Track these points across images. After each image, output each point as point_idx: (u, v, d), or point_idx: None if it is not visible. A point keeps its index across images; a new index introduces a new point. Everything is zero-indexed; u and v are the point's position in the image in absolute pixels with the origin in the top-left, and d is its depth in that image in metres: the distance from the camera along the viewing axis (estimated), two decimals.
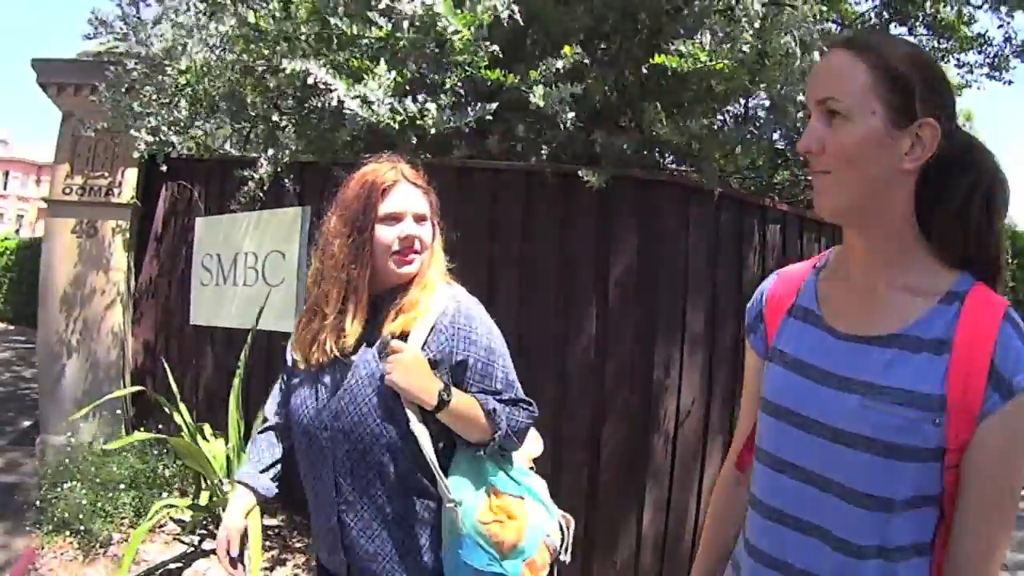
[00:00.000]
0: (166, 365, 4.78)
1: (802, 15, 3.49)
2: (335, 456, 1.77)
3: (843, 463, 1.19)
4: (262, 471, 1.96)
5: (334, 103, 3.22)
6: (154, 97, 4.67)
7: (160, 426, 4.89)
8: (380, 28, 3.26)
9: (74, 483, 4.64)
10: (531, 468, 1.98)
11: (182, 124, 4.46)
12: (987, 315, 1.14)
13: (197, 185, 5.34)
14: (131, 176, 5.56)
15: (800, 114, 3.59)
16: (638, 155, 3.82)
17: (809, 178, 1.63)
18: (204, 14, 4.50)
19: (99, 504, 4.47)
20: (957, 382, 1.12)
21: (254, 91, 4.52)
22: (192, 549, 4.37)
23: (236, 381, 4.30)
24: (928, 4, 10.38)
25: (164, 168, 4.93)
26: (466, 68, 3.32)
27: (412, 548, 1.78)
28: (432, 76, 3.40)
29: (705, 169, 3.73)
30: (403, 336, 1.76)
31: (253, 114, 4.53)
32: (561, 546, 1.86)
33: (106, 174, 5.58)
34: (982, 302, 1.16)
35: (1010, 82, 10.84)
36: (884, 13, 11.03)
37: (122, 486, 4.63)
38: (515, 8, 3.17)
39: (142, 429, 5.19)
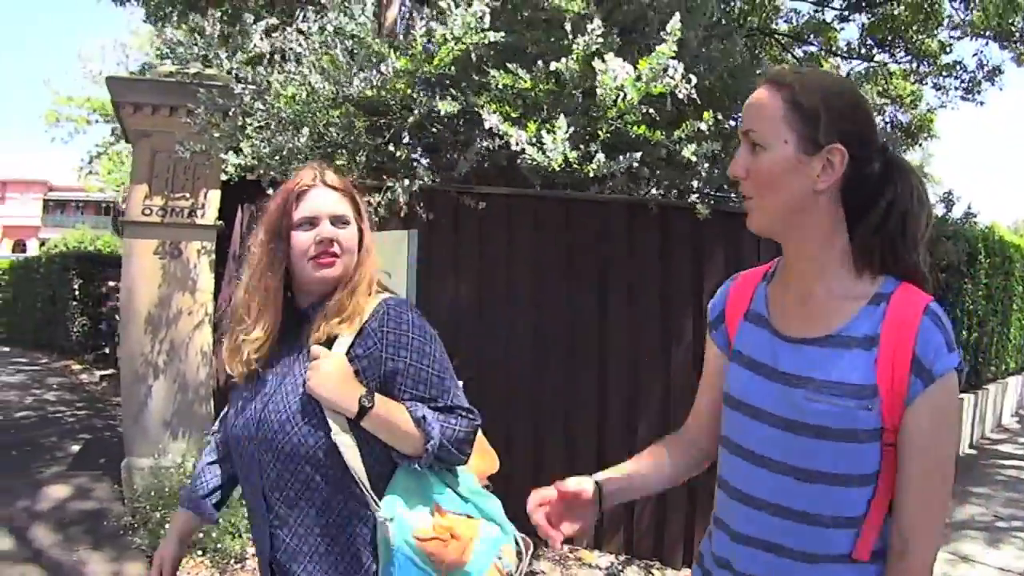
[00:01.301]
0: None
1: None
2: (261, 468, 1.72)
3: (794, 447, 1.36)
4: (204, 495, 1.95)
5: (502, 143, 3.55)
6: (265, 123, 4.77)
7: None
8: (548, 83, 3.82)
9: None
10: (486, 486, 1.93)
11: (300, 151, 4.56)
12: (910, 311, 1.30)
13: None
14: (214, 197, 5.62)
15: None
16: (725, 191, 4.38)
17: None
18: (320, 49, 4.63)
19: (226, 520, 4.55)
20: (886, 372, 1.29)
21: (367, 121, 4.66)
22: None
23: None
24: (910, 33, 10.82)
25: (268, 189, 4.99)
26: (615, 122, 3.82)
27: (352, 568, 1.71)
28: (587, 128, 3.88)
29: None
30: (330, 343, 1.72)
31: (371, 143, 4.67)
32: (516, 570, 1.80)
33: (187, 195, 5.61)
34: (906, 300, 1.32)
35: (982, 103, 11.34)
36: (868, 40, 11.42)
37: (243, 501, 4.69)
38: (692, 90, 3.67)
39: None
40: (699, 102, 3.83)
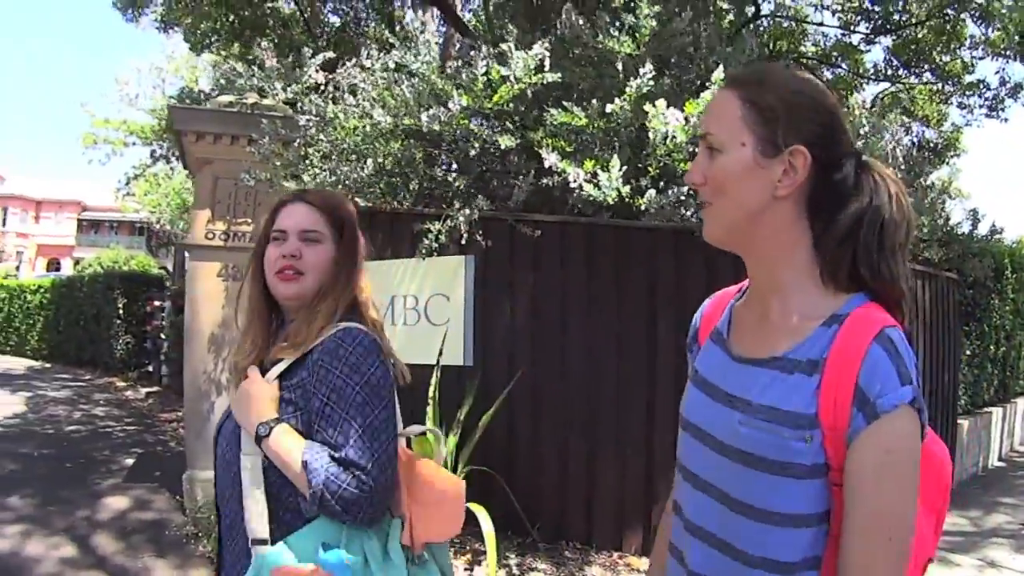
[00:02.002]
0: None
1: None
2: (218, 479, 1.72)
3: (728, 474, 1.24)
4: None
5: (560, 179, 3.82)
6: (327, 153, 5.04)
7: None
8: (601, 121, 4.11)
9: None
10: (422, 556, 1.72)
11: (363, 180, 4.82)
12: (859, 335, 1.15)
13: None
14: None
15: None
16: None
17: None
18: (381, 84, 4.90)
19: None
20: (827, 402, 1.15)
21: (425, 152, 4.93)
22: None
23: (431, 409, 4.70)
24: (935, 54, 11.03)
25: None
26: (664, 159, 4.08)
27: None
28: (637, 164, 4.18)
29: None
30: (272, 363, 1.69)
31: (429, 173, 4.94)
32: None
33: (249, 220, 5.88)
34: (859, 323, 1.18)
35: (1006, 120, 11.53)
36: (894, 61, 11.64)
37: None
38: None
39: None
40: None
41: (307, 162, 5.21)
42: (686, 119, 3.93)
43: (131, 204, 22.80)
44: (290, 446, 1.57)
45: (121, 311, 14.77)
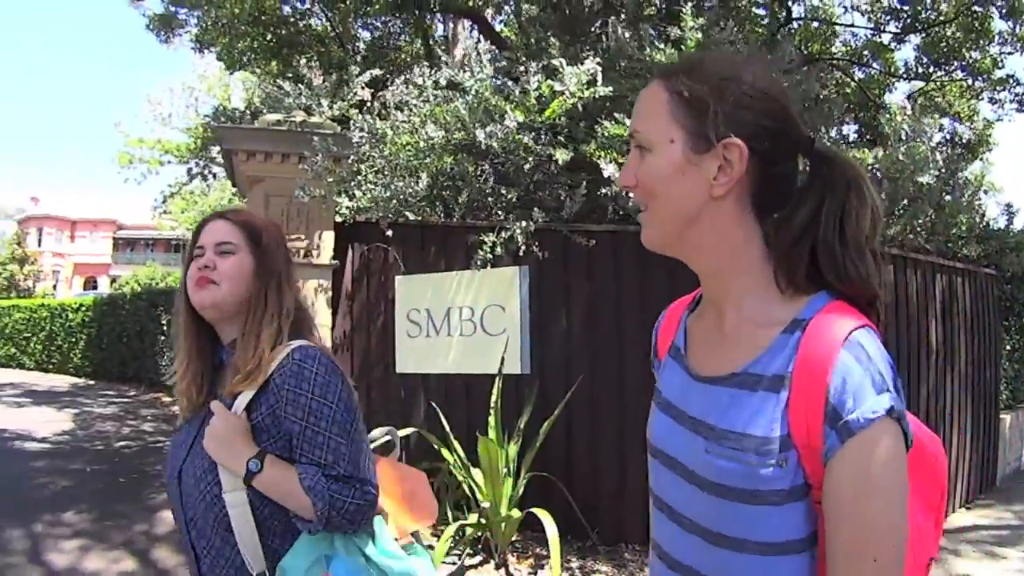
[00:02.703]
0: (437, 408, 5.24)
1: None
2: (185, 518, 1.68)
3: (704, 506, 1.13)
4: None
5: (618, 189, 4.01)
6: (380, 168, 5.16)
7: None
8: None
9: None
10: (411, 543, 1.82)
11: (417, 194, 4.93)
12: (825, 342, 1.03)
13: (392, 247, 5.81)
14: (328, 238, 5.99)
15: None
16: None
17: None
18: (432, 101, 5.01)
19: None
20: (798, 421, 1.04)
21: (476, 167, 5.04)
22: (456, 567, 4.75)
23: (492, 419, 4.80)
24: (964, 51, 11.04)
25: (389, 233, 5.37)
26: None
27: None
28: None
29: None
30: (234, 396, 1.65)
31: (480, 188, 5.05)
32: None
33: (303, 236, 5.99)
34: (824, 327, 1.05)
35: None
36: (924, 59, 11.63)
37: None
38: None
39: None
40: None
41: (360, 178, 5.33)
42: None
43: (167, 222, 23.13)
44: (284, 476, 1.59)
45: (165, 327, 14.88)
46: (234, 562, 1.62)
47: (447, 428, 5.02)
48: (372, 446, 1.85)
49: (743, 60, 1.22)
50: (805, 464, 1.04)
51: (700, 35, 4.66)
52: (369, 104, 5.93)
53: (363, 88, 6.42)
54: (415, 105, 5.17)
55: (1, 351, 21.79)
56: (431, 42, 11.35)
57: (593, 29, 7.46)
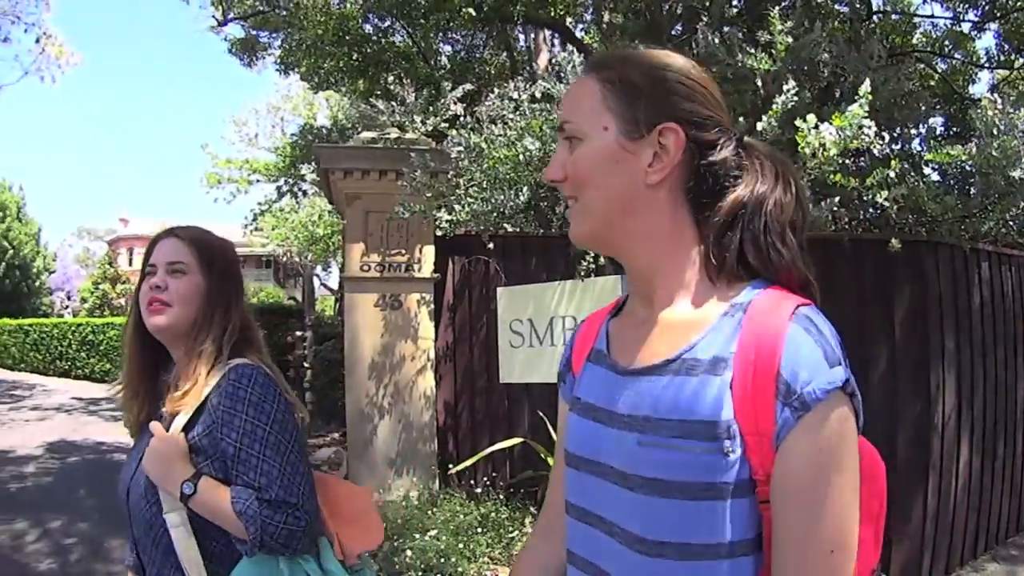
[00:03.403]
0: (543, 417, 5.31)
1: None
2: (133, 534, 1.69)
3: (637, 510, 1.04)
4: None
5: None
6: (479, 182, 5.23)
7: (472, 480, 5.52)
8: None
9: (429, 532, 5.11)
10: (358, 565, 1.82)
11: (518, 207, 4.99)
12: (772, 319, 1.00)
13: (493, 259, 5.89)
14: (429, 252, 6.12)
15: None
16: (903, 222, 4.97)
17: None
18: (529, 114, 5.06)
19: (459, 547, 4.91)
20: (744, 402, 0.97)
21: None
22: None
23: None
24: None
25: (490, 245, 5.44)
26: (814, 172, 4.14)
27: None
28: None
29: (954, 231, 4.85)
30: (172, 416, 1.66)
31: None
32: None
33: (403, 251, 6.15)
34: (767, 305, 1.02)
35: None
36: (1005, 46, 11.27)
37: (479, 529, 5.13)
38: (887, 146, 4.15)
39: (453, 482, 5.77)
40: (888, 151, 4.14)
41: (459, 192, 5.41)
42: (838, 130, 3.99)
43: (257, 239, 23.71)
44: (218, 499, 1.58)
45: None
46: (161, 573, 1.64)
47: (553, 436, 5.04)
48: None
49: (669, 52, 1.17)
50: (751, 456, 0.97)
51: (790, 39, 4.61)
52: (463, 118, 6.01)
53: (455, 103, 6.52)
54: (511, 119, 5.22)
55: (96, 367, 22.42)
56: (515, 54, 11.43)
57: (675, 34, 7.43)
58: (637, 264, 1.15)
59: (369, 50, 11.03)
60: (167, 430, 1.65)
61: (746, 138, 1.16)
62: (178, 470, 1.59)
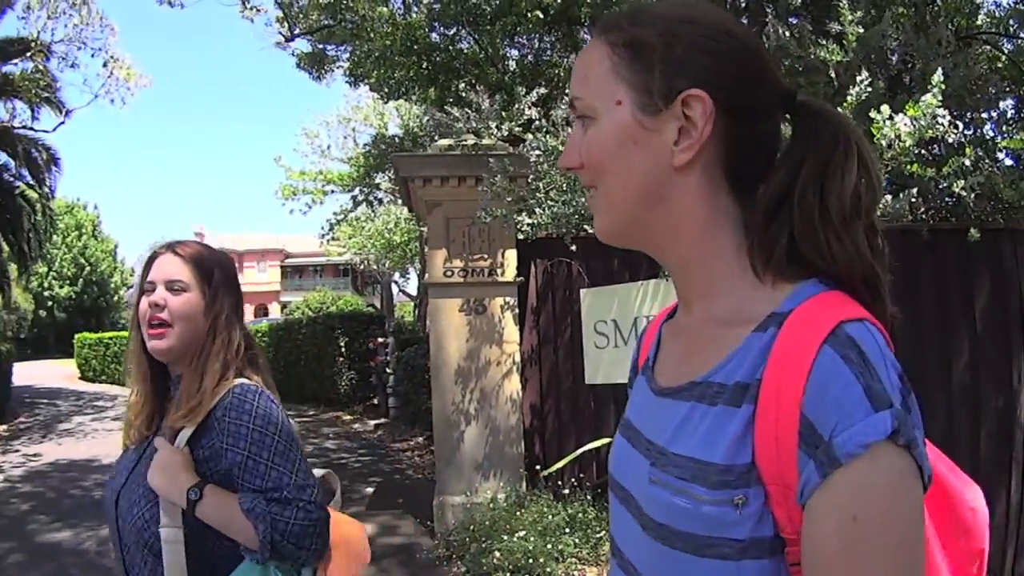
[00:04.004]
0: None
1: None
2: (122, 544, 1.70)
3: (648, 554, 0.88)
4: None
5: None
6: (559, 185, 5.26)
7: (559, 481, 5.58)
8: None
9: (517, 533, 5.15)
10: None
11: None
12: (804, 338, 0.77)
13: (575, 260, 5.92)
14: (511, 256, 6.16)
15: None
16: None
17: None
18: None
19: (547, 548, 4.94)
20: (766, 444, 0.78)
21: None
22: None
23: None
24: None
25: (573, 247, 5.46)
26: (890, 163, 4.14)
27: None
28: None
29: None
30: (176, 430, 1.68)
31: None
32: None
33: (486, 256, 6.19)
34: (805, 319, 0.80)
35: None
36: None
37: (567, 530, 5.15)
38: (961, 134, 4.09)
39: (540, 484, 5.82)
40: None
41: (539, 195, 5.44)
42: (913, 120, 3.93)
43: (334, 248, 24.12)
44: (225, 502, 1.61)
45: (343, 349, 15.58)
46: None
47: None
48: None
49: (695, 2, 0.96)
50: (776, 510, 0.78)
51: (861, 29, 4.55)
52: (538, 122, 6.04)
53: (530, 107, 6.55)
54: None
55: None
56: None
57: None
58: (670, 262, 0.97)
59: (438, 58, 11.14)
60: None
61: (801, 98, 0.93)
62: (183, 480, 1.61)
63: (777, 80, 0.92)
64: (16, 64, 15.51)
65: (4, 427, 15.43)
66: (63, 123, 15.49)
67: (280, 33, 13.14)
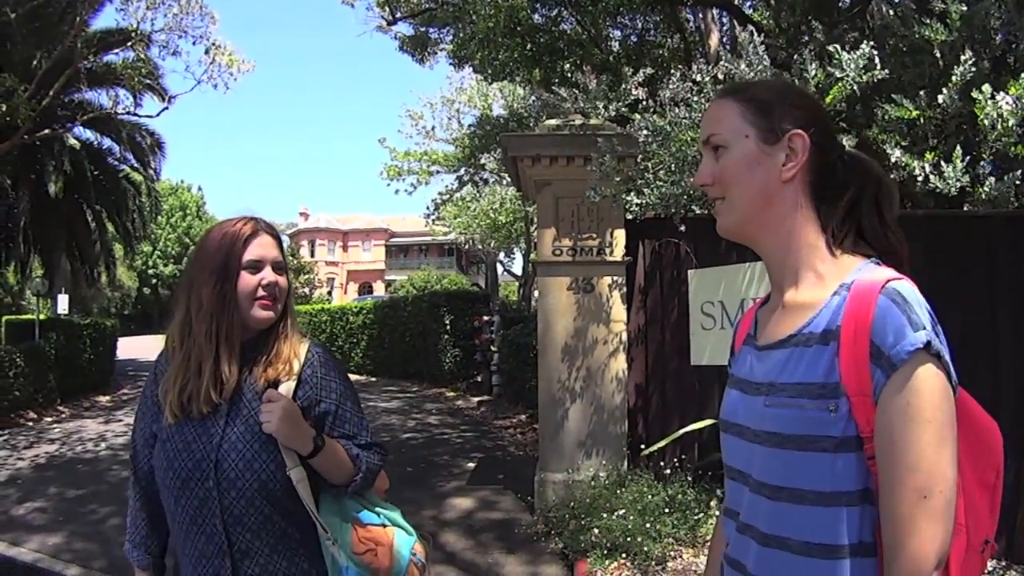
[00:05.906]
0: None
1: None
2: (222, 506, 1.78)
3: (761, 460, 1.28)
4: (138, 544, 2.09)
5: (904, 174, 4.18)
6: (667, 165, 5.27)
7: (661, 461, 5.64)
8: (931, 112, 4.26)
9: (616, 511, 5.21)
10: (384, 500, 2.09)
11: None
12: (866, 293, 1.18)
13: (683, 241, 5.93)
14: (620, 236, 6.20)
15: None
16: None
17: None
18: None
19: (645, 527, 4.99)
20: (849, 366, 1.17)
21: None
22: None
23: None
24: None
25: (682, 228, 5.46)
26: (995, 144, 4.01)
27: None
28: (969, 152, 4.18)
29: None
30: (274, 386, 1.85)
31: None
32: (426, 561, 2.03)
33: (594, 235, 6.24)
34: (865, 283, 1.21)
35: None
36: None
37: (666, 510, 5.19)
38: None
39: (641, 463, 5.88)
40: None
41: (648, 175, 5.46)
42: (1018, 98, 3.80)
43: (439, 228, 24.49)
44: (335, 449, 1.87)
45: (448, 327, 15.84)
46: (269, 542, 1.82)
47: None
48: None
49: (785, 79, 1.53)
50: (857, 415, 1.17)
51: (964, 7, 4.41)
52: (645, 102, 6.03)
53: (637, 87, 6.54)
54: (695, 101, 5.20)
55: None
56: (686, 35, 11.29)
57: (842, 7, 7.17)
58: (773, 252, 1.38)
59: (541, 39, 11.17)
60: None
61: (847, 147, 1.42)
62: (306, 428, 1.82)
63: (833, 128, 1.44)
64: (118, 54, 16.16)
65: (108, 398, 16.32)
66: (166, 108, 16.01)
67: (382, 17, 13.39)
